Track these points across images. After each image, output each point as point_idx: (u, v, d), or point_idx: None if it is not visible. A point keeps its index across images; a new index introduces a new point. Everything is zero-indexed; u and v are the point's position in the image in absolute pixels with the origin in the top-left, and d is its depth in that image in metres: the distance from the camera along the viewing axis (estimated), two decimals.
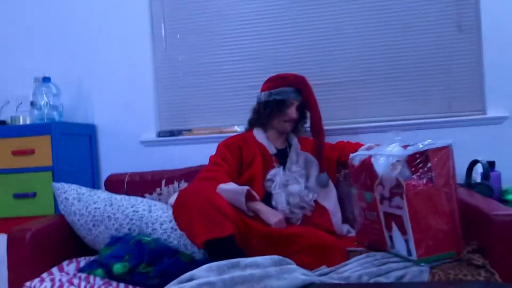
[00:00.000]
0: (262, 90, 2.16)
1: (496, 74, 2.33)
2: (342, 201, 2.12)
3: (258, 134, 2.15)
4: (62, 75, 2.60)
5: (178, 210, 1.71)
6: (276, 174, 2.02)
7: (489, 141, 2.30)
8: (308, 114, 2.14)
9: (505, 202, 2.00)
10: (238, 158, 2.08)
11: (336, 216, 2.03)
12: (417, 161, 1.54)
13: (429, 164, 1.53)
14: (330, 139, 2.30)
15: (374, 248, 1.71)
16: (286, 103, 2.07)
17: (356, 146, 2.11)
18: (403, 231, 1.53)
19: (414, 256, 1.50)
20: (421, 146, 1.55)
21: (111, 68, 2.64)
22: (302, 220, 1.99)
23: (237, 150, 2.09)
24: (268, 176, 2.03)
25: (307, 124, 2.17)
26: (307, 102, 2.08)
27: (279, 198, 1.96)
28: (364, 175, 1.73)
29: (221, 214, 1.64)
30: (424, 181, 1.52)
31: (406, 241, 1.53)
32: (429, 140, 1.56)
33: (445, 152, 1.55)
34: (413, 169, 1.54)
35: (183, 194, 1.70)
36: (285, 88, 2.08)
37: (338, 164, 2.19)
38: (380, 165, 1.63)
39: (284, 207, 1.95)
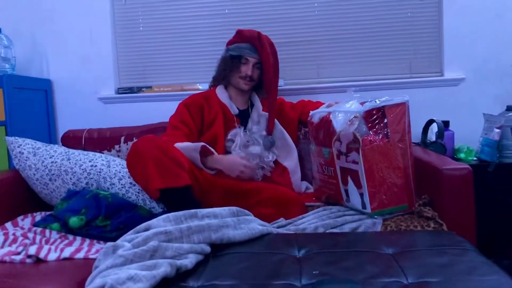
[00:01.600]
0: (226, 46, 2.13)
1: (455, 37, 2.37)
2: (301, 158, 2.16)
3: (221, 93, 2.11)
4: (14, 26, 2.48)
5: (132, 160, 1.68)
6: (237, 134, 2.00)
7: (445, 101, 2.37)
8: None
9: (457, 160, 2.07)
10: (199, 119, 2.05)
11: (295, 175, 2.05)
12: (373, 117, 1.57)
13: (385, 120, 1.57)
14: (292, 99, 2.31)
15: (331, 203, 1.76)
16: (241, 59, 2.03)
17: (317, 105, 2.12)
18: (358, 185, 1.57)
19: (368, 209, 1.56)
20: (378, 102, 1.57)
21: (67, 20, 2.52)
22: (262, 179, 2.01)
23: (199, 110, 2.05)
24: (229, 136, 2.01)
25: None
26: (261, 60, 2.02)
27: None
28: (323, 131, 1.76)
29: (177, 164, 1.64)
30: (380, 136, 1.56)
31: (361, 195, 1.57)
32: (386, 97, 1.59)
33: (401, 108, 1.58)
34: (369, 125, 1.57)
35: (137, 144, 1.67)
36: (241, 44, 2.04)
37: (300, 123, 2.20)
38: (339, 121, 1.65)
39: None
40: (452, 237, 1.30)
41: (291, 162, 2.07)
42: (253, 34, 2.01)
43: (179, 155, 1.70)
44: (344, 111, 1.64)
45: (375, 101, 1.58)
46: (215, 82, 2.16)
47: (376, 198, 1.55)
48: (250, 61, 2.03)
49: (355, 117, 1.58)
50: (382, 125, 1.56)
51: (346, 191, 1.65)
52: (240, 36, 2.05)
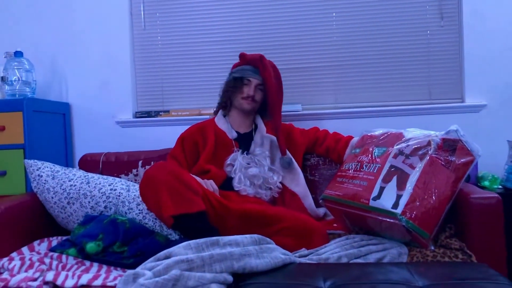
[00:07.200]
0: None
1: (475, 63, 2.35)
2: (319, 184, 2.12)
3: (219, 120, 2.14)
4: (36, 51, 2.52)
5: (145, 187, 1.66)
6: (236, 158, 2.00)
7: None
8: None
9: (481, 188, 2.01)
10: (191, 153, 2.08)
11: (307, 200, 2.02)
12: (448, 143, 1.59)
13: (454, 156, 1.58)
14: (310, 123, 2.30)
15: (348, 197, 1.67)
16: (243, 81, 2.06)
17: (337, 137, 2.11)
18: (401, 187, 1.51)
19: (399, 210, 1.46)
20: (462, 133, 1.63)
21: (87, 45, 2.55)
22: (272, 203, 1.98)
23: (192, 145, 2.09)
24: (228, 161, 2.01)
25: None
26: (263, 81, 2.05)
27: (241, 180, 1.95)
28: (385, 138, 1.76)
29: (190, 190, 1.61)
30: (444, 160, 1.56)
31: (399, 196, 1.50)
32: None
33: (470, 160, 1.60)
34: (442, 147, 1.59)
35: (149, 171, 1.65)
36: (243, 66, 2.10)
37: (309, 151, 2.18)
38: (412, 132, 1.71)
39: (248, 188, 1.94)
40: (485, 270, 1.24)
41: (299, 187, 2.04)
42: (255, 56, 2.06)
43: (192, 180, 1.68)
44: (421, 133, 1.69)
45: (460, 132, 1.62)
46: (220, 106, 2.18)
47: (414, 206, 1.47)
48: (252, 82, 2.06)
49: (435, 135, 1.61)
50: (450, 153, 1.58)
51: (382, 188, 1.56)
52: (243, 59, 2.11)
